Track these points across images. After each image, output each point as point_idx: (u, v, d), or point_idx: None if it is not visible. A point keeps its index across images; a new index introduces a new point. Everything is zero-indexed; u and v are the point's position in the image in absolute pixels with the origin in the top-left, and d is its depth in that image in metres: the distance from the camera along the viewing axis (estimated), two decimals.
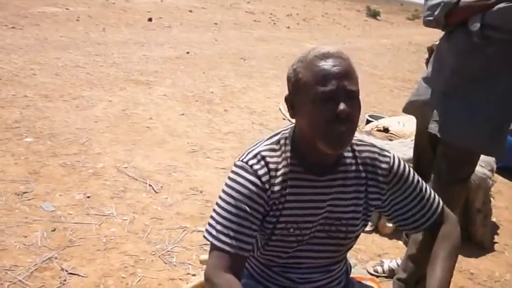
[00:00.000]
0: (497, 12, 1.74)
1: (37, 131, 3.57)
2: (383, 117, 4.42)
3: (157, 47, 7.75)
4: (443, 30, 2.07)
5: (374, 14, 28.03)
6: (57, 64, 5.55)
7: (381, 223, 2.88)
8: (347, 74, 1.05)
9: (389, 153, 1.25)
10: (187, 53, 7.66)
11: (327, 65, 1.05)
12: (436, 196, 1.27)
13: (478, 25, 1.81)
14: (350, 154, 1.20)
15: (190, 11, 13.91)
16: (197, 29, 10.78)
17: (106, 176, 3.05)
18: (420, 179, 1.27)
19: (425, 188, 1.25)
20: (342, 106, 1.02)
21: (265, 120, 4.75)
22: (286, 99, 1.15)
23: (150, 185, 3.01)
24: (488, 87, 1.89)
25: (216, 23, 12.27)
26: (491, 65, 1.87)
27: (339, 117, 1.02)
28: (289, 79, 1.13)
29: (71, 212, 2.58)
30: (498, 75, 1.87)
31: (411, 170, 1.26)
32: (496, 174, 3.47)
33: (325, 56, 1.06)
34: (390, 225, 2.84)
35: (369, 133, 3.33)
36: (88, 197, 2.76)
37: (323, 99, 1.03)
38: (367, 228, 2.86)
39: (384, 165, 1.21)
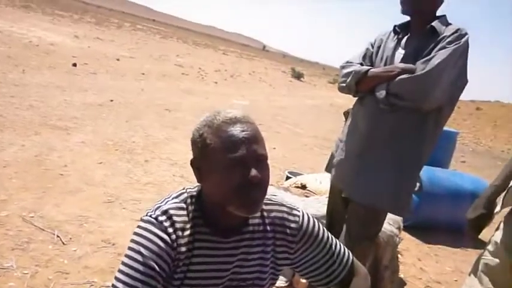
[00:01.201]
0: (399, 82, 1.93)
1: None
2: (302, 174, 4.56)
3: (79, 93, 7.54)
4: (354, 96, 2.24)
5: (298, 76, 29.61)
6: None
7: (295, 279, 2.89)
8: (256, 139, 1.07)
9: (299, 211, 1.27)
10: (111, 100, 7.52)
11: (236, 130, 1.05)
12: (346, 250, 1.31)
13: (383, 93, 1.98)
14: (258, 214, 1.20)
15: (118, 60, 13.82)
16: (123, 78, 10.68)
17: (9, 225, 2.83)
18: (330, 234, 1.30)
19: (335, 244, 1.29)
20: (253, 172, 1.03)
21: (186, 173, 4.71)
22: (192, 163, 1.13)
23: (57, 236, 2.83)
24: (393, 150, 2.04)
25: (143, 73, 12.26)
26: (397, 129, 2.02)
27: (251, 182, 1.03)
28: (195, 143, 1.11)
29: None
30: (402, 138, 2.02)
31: (321, 226, 1.29)
32: (403, 232, 3.66)
33: (233, 121, 1.07)
34: (304, 281, 2.87)
35: (286, 189, 3.40)
36: None
37: (234, 165, 1.03)
38: (282, 284, 2.86)
39: (293, 225, 1.23)
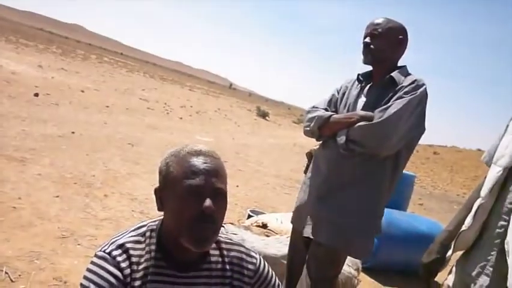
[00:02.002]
0: (357, 129, 2.00)
1: None
2: (263, 213, 4.56)
3: (39, 124, 7.36)
4: (317, 141, 2.30)
5: (263, 115, 29.96)
6: None
7: None
8: (216, 172, 1.09)
9: (256, 254, 1.30)
10: (73, 132, 7.37)
11: (198, 161, 1.09)
12: None
13: (343, 138, 2.05)
14: (217, 252, 1.22)
15: (82, 91, 13.64)
16: (87, 110, 10.52)
17: None
18: (278, 283, 1.34)
19: None
20: (207, 202, 1.04)
21: (147, 209, 4.62)
22: (156, 192, 1.16)
23: (6, 273, 2.69)
24: (352, 194, 2.09)
25: (107, 106, 12.12)
26: (356, 174, 2.09)
27: (204, 214, 1.04)
28: (160, 172, 1.15)
29: None
30: (361, 183, 2.08)
31: (274, 274, 1.33)
32: (362, 274, 3.69)
33: (197, 153, 1.10)
34: None
35: (247, 228, 3.38)
36: None
37: (189, 194, 1.05)
38: None
39: (250, 266, 1.25)
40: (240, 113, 28.17)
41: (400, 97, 1.97)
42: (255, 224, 3.69)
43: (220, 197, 1.09)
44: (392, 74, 2.08)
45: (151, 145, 8.35)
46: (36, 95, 10.20)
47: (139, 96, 18.14)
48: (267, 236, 3.39)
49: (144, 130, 10.10)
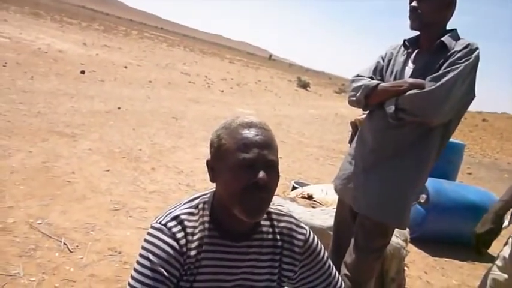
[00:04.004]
0: (408, 97, 1.92)
1: None
2: (308, 185, 4.55)
3: (86, 100, 7.59)
4: (363, 110, 2.24)
5: (304, 85, 29.63)
6: None
7: None
8: (268, 144, 1.10)
9: (305, 226, 1.31)
10: (118, 108, 7.57)
11: (250, 133, 1.09)
12: (337, 274, 1.35)
13: (392, 107, 1.97)
14: (267, 223, 1.23)
15: (125, 67, 13.91)
16: (131, 85, 10.74)
17: (16, 231, 2.83)
18: (327, 255, 1.34)
19: (332, 265, 1.33)
20: (261, 174, 1.05)
21: (192, 181, 4.71)
22: (208, 163, 1.17)
23: (64, 244, 2.83)
24: (399, 164, 2.03)
25: (150, 81, 12.32)
26: (403, 144, 2.01)
27: (257, 185, 1.05)
28: (212, 144, 1.16)
29: None
30: (409, 153, 2.01)
31: (323, 247, 1.33)
32: (410, 244, 3.64)
33: (249, 125, 1.11)
34: None
35: (292, 200, 3.39)
36: None
37: (243, 167, 1.06)
38: None
39: (300, 237, 1.26)
40: (280, 84, 27.98)
41: (454, 63, 1.87)
42: (300, 195, 3.69)
43: (272, 169, 1.09)
44: (442, 39, 1.97)
45: (194, 118, 8.46)
46: (83, 72, 10.49)
47: (181, 70, 18.32)
48: (313, 207, 3.39)
49: (186, 104, 10.23)
